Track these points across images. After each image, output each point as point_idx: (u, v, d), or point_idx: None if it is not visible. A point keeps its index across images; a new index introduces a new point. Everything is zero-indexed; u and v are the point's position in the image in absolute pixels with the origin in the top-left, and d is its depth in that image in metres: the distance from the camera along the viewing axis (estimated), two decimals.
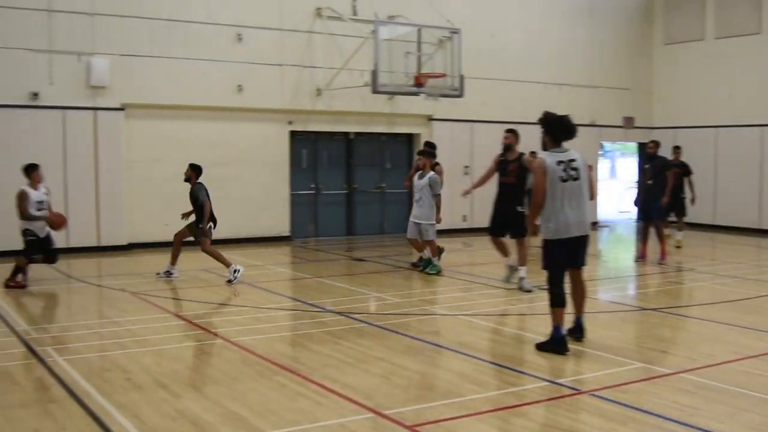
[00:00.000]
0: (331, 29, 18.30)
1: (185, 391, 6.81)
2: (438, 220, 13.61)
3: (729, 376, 7.30)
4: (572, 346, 8.42)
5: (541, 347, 8.20)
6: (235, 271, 12.56)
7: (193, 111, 17.08)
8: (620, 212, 26.41)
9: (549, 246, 8.17)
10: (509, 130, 12.44)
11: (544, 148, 8.32)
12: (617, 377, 7.28)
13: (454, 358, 8.07)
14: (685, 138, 22.51)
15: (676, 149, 17.86)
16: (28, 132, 15.47)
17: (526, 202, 12.22)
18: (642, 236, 15.62)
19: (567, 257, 8.20)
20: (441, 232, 19.81)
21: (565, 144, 8.33)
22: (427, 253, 13.70)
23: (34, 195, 12.17)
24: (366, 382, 7.15)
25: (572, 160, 8.16)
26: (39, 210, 12.18)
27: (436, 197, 13.41)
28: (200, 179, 13.12)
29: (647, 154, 15.66)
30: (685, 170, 17.33)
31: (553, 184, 8.02)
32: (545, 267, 8.24)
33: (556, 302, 8.15)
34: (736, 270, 14.25)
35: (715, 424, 6.02)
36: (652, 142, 15.77)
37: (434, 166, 13.89)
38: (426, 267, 13.61)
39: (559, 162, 8.08)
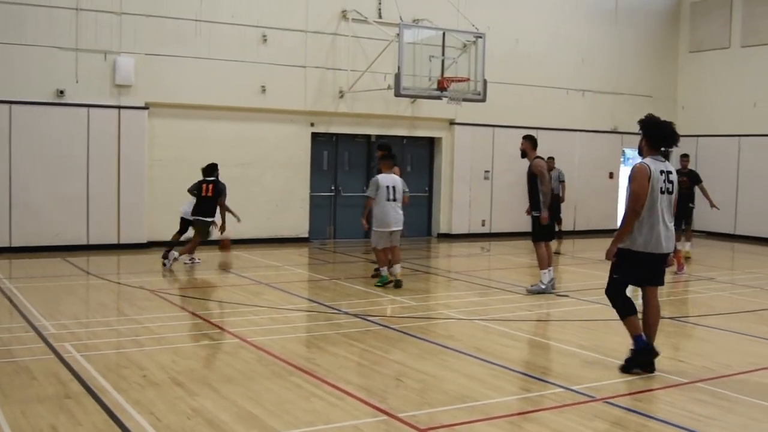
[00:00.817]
0: (355, 32, 18.35)
1: (201, 389, 6.86)
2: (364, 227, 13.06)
3: (745, 387, 7.27)
4: (589, 353, 8.43)
5: (627, 365, 7.64)
6: (174, 259, 14.00)
7: (217, 111, 17.18)
8: None
9: (630, 257, 7.61)
10: (524, 136, 12.51)
11: (640, 153, 7.87)
12: (632, 385, 7.27)
13: (470, 362, 8.07)
14: (708, 146, 22.45)
15: (684, 157, 17.28)
16: (54, 129, 15.64)
17: (542, 206, 12.20)
18: None
19: (645, 273, 7.72)
20: (462, 237, 19.89)
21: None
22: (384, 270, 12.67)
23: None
24: (380, 384, 7.18)
25: (670, 172, 7.74)
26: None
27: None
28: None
29: None
30: (694, 179, 16.78)
31: (654, 194, 7.53)
32: (616, 275, 7.72)
33: (628, 311, 7.70)
34: (755, 280, 14.17)
35: None
36: None
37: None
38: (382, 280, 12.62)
39: (661, 171, 7.64)
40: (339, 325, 9.63)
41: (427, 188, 20.44)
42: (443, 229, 20.27)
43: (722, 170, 21.50)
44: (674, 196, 7.75)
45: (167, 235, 16.57)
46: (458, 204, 20.26)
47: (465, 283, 13.31)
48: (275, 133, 17.86)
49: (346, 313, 10.33)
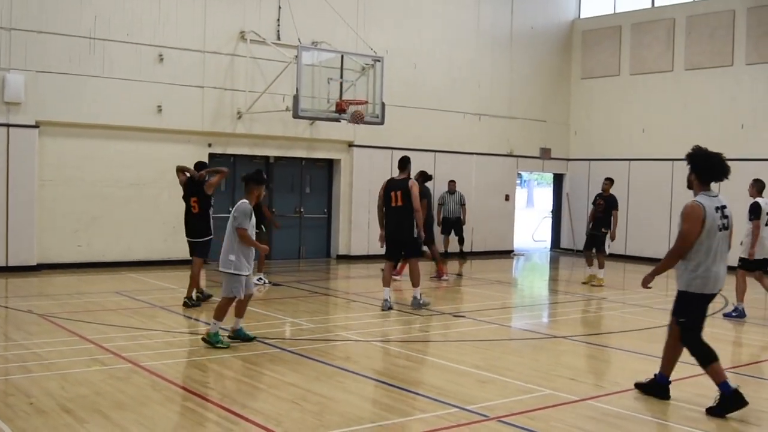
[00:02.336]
0: (254, 53, 18.27)
1: (91, 416, 6.66)
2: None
3: (632, 403, 7.50)
4: (484, 373, 8.55)
5: (717, 412, 7.14)
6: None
7: (111, 131, 16.79)
8: (535, 241, 26.88)
9: (694, 300, 7.34)
10: None
11: (690, 186, 7.52)
12: (525, 404, 7.40)
13: (367, 384, 8.09)
14: (599, 170, 23.16)
15: (608, 181, 17.18)
16: None
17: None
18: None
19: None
20: (361, 258, 19.93)
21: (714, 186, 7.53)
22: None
23: None
24: (276, 407, 7.12)
25: (725, 207, 7.39)
26: None
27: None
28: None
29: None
30: (611, 204, 17.04)
31: (712, 233, 7.19)
32: (683, 318, 7.41)
33: (709, 358, 7.27)
34: (644, 299, 14.61)
35: None
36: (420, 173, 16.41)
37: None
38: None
39: (716, 208, 7.27)
40: (235, 348, 9.50)
41: (326, 210, 20.45)
42: (342, 251, 20.29)
43: (613, 193, 22.19)
44: (730, 230, 7.47)
45: (58, 258, 16.16)
46: (357, 225, 20.31)
47: (363, 305, 13.34)
48: (171, 153, 17.51)
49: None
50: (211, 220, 12.81)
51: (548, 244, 25.92)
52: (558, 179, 25.43)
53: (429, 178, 16.51)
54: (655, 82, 22.64)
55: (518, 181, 23.99)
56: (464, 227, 20.36)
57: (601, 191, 17.13)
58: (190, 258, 12.90)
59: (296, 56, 16.50)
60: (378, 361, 9.21)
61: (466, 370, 8.76)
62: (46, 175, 16.07)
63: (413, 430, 6.59)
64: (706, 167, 7.36)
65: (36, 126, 15.92)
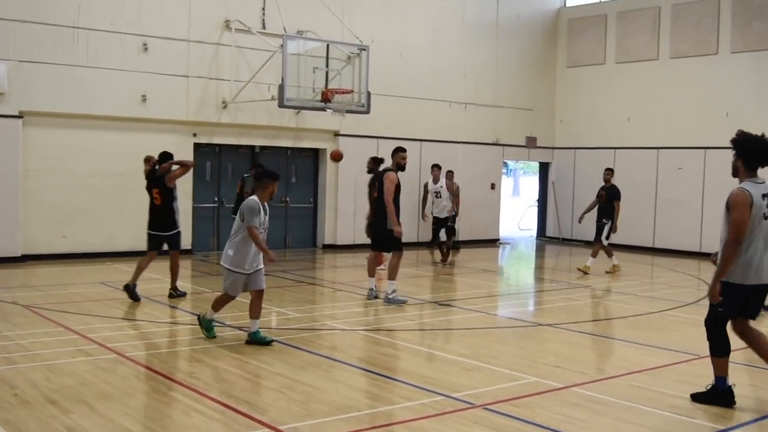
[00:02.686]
0: (239, 42, 18.20)
1: (76, 407, 6.65)
2: None
3: (616, 390, 7.55)
4: (470, 361, 8.59)
5: (702, 399, 7.20)
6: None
7: (95, 121, 16.71)
8: (521, 229, 26.94)
9: (734, 291, 6.97)
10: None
11: (735, 174, 7.16)
12: (511, 391, 7.44)
13: (353, 372, 8.11)
14: (584, 158, 23.27)
15: (608, 171, 17.38)
16: None
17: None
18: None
19: (745, 305, 7.11)
20: (347, 248, 19.93)
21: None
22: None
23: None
24: (262, 397, 7.14)
25: None
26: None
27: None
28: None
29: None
30: (613, 194, 16.85)
31: (756, 221, 6.88)
32: (721, 307, 7.04)
33: (722, 350, 7.10)
34: (629, 287, 14.70)
35: None
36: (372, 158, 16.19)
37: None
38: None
39: (764, 196, 6.95)
40: (221, 338, 9.50)
41: (311, 199, 20.43)
42: (328, 240, 20.29)
43: (599, 181, 22.24)
44: None
45: (43, 248, 16.09)
46: (343, 215, 20.31)
47: (349, 294, 13.36)
48: (156, 143, 17.30)
49: (229, 326, 10.20)
50: (177, 213, 12.46)
51: (534, 232, 25.99)
52: (544, 168, 25.49)
53: (381, 161, 16.27)
54: (640, 70, 22.69)
55: (504, 170, 23.98)
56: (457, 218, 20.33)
57: (603, 183, 17.18)
58: (146, 250, 12.42)
59: (281, 45, 16.43)
60: (364, 350, 9.22)
61: (451, 358, 8.79)
62: (30, 166, 15.98)
63: (399, 418, 6.61)
64: (752, 152, 7.03)
65: (20, 116, 15.82)
